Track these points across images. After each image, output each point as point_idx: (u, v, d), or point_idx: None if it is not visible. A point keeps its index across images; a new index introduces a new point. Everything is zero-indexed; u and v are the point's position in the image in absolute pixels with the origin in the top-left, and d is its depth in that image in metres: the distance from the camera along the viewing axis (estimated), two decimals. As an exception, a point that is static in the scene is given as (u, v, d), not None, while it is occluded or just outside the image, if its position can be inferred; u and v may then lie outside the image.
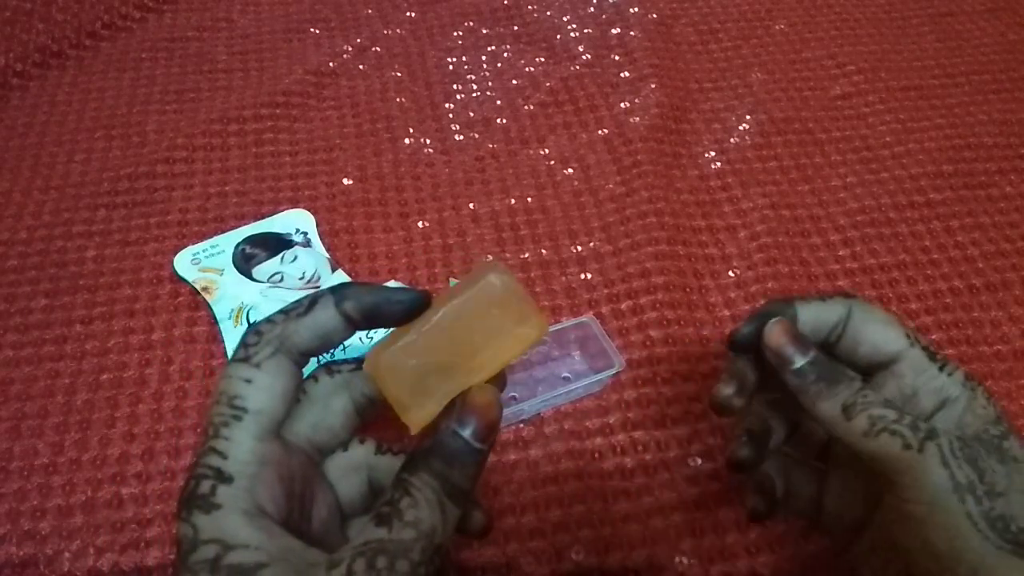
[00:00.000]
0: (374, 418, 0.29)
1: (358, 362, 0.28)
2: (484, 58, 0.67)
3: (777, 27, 0.71)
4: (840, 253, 0.52)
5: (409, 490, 0.24)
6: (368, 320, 0.26)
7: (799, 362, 0.30)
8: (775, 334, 0.30)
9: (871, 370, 0.32)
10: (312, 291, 0.48)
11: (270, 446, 0.25)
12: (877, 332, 0.31)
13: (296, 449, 0.26)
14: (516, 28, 0.70)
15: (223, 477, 0.23)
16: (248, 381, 0.25)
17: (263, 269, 0.50)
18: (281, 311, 0.26)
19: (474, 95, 0.63)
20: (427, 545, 0.23)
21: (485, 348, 0.26)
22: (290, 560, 0.22)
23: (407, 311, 0.27)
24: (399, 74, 0.65)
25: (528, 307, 0.26)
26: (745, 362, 0.32)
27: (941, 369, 0.30)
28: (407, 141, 0.59)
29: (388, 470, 0.28)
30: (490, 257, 0.51)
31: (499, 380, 0.27)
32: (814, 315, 0.31)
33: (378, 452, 0.28)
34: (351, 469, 0.28)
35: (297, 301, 0.26)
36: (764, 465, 0.34)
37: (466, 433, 0.25)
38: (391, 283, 0.46)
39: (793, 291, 0.49)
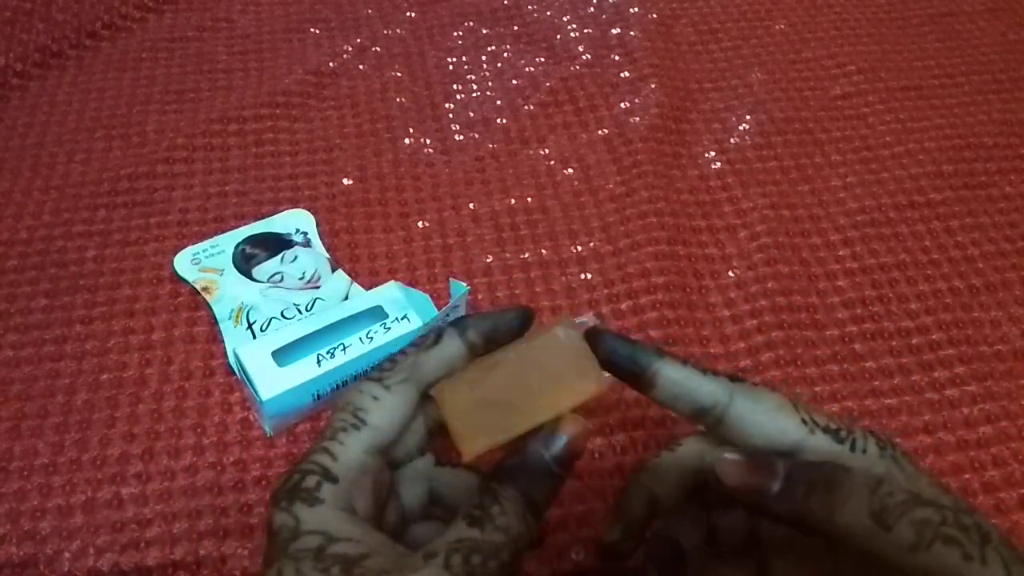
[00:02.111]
0: (442, 439, 0.30)
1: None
2: (484, 58, 0.67)
3: (777, 27, 0.71)
4: (840, 253, 0.52)
5: (499, 499, 0.25)
6: (488, 343, 0.29)
7: (776, 484, 0.26)
8: (734, 473, 0.27)
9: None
10: (311, 291, 0.48)
11: (374, 460, 0.27)
12: (765, 424, 0.27)
13: (387, 467, 0.28)
14: (516, 28, 0.70)
15: (330, 476, 0.26)
16: (375, 399, 0.27)
17: (263, 269, 0.50)
18: (411, 344, 0.29)
19: (474, 95, 0.63)
20: (514, 550, 0.25)
21: (542, 394, 0.27)
22: (387, 553, 0.24)
23: (521, 326, 0.29)
24: (399, 74, 0.65)
25: (590, 363, 0.28)
26: (635, 494, 0.30)
27: (852, 450, 0.27)
28: (407, 141, 0.59)
29: (447, 481, 0.30)
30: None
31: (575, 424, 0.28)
32: (674, 474, 0.29)
33: (438, 464, 0.30)
34: (414, 479, 0.30)
35: (424, 335, 0.29)
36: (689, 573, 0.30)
37: (549, 457, 0.26)
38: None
39: (793, 291, 0.50)
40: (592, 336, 0.29)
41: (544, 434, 0.27)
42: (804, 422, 0.27)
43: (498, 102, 0.63)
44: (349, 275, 0.50)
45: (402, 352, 0.29)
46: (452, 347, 0.29)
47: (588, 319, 0.45)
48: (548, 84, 0.64)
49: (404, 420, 0.28)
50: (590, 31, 0.69)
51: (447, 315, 0.42)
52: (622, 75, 0.64)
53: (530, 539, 0.26)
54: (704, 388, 0.28)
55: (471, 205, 0.55)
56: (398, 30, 0.69)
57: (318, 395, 0.42)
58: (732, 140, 0.60)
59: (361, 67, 0.66)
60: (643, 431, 0.43)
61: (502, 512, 0.25)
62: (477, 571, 0.23)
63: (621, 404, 0.44)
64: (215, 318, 0.47)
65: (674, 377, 0.28)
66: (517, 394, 0.27)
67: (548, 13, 0.71)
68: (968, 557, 0.23)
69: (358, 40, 0.67)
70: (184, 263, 0.50)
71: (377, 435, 0.27)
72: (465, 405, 0.27)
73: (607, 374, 0.28)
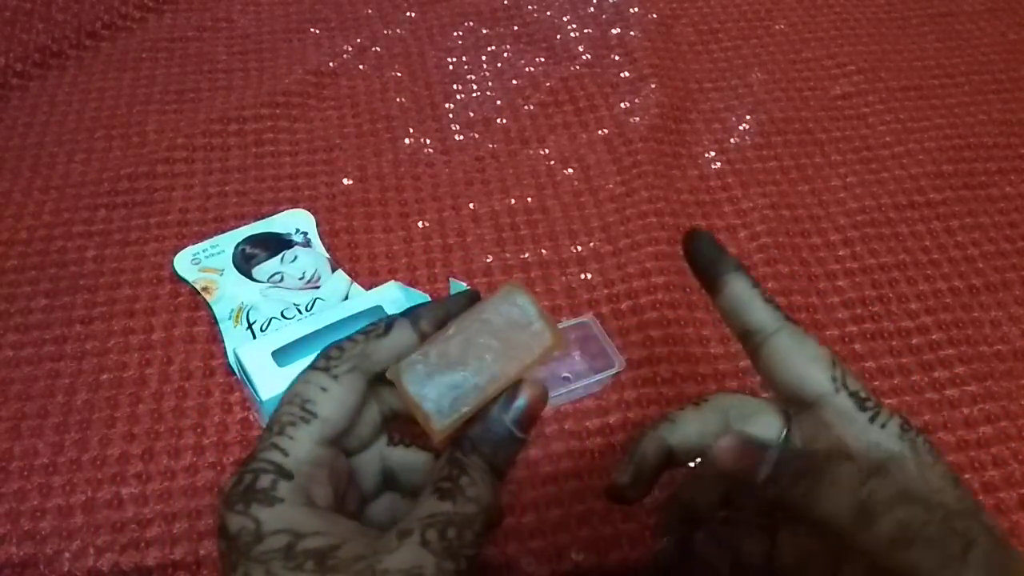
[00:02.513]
0: (397, 427, 0.30)
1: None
2: (484, 58, 0.67)
3: (777, 27, 0.71)
4: (840, 253, 0.52)
5: (467, 469, 0.25)
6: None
7: (765, 468, 0.27)
8: (723, 453, 0.28)
9: (791, 404, 0.29)
10: (311, 291, 0.48)
11: (327, 451, 0.26)
12: (797, 366, 0.28)
13: (342, 456, 0.28)
14: (516, 28, 0.70)
15: (284, 472, 0.25)
16: (324, 389, 0.26)
17: (263, 269, 0.50)
18: (360, 331, 0.28)
19: (474, 95, 0.63)
20: (485, 519, 0.25)
21: (498, 357, 0.27)
22: (358, 538, 0.24)
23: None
24: (399, 74, 0.65)
25: (539, 320, 0.28)
26: (650, 442, 0.29)
27: (872, 420, 0.27)
28: (407, 141, 0.59)
29: (401, 460, 0.30)
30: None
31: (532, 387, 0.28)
32: (696, 430, 0.29)
33: (390, 444, 0.30)
34: (368, 460, 0.30)
35: (373, 324, 0.28)
36: (702, 539, 0.30)
37: (510, 422, 0.26)
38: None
39: (793, 291, 0.50)
40: (688, 234, 0.30)
41: (503, 400, 0.27)
42: (834, 379, 0.27)
43: (498, 102, 0.63)
44: (349, 275, 0.50)
45: (350, 339, 0.28)
46: (403, 336, 0.28)
47: (588, 319, 0.45)
48: (548, 84, 0.64)
49: (354, 409, 0.27)
50: (590, 31, 0.69)
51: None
52: (622, 75, 0.64)
53: (498, 505, 0.26)
54: (757, 312, 0.28)
55: (471, 205, 0.55)
56: (398, 30, 0.69)
57: (318, 395, 0.42)
58: (732, 140, 0.60)
59: (361, 67, 0.66)
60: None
61: (471, 483, 0.25)
62: (454, 544, 0.23)
63: (621, 404, 0.44)
64: (215, 318, 0.47)
65: (737, 292, 0.29)
66: (473, 361, 0.27)
67: (548, 13, 0.71)
68: (947, 561, 0.23)
69: (358, 40, 0.67)
70: (184, 263, 0.50)
71: (327, 426, 0.26)
72: (424, 382, 0.27)
73: (557, 326, 0.28)
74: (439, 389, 0.26)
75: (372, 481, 0.30)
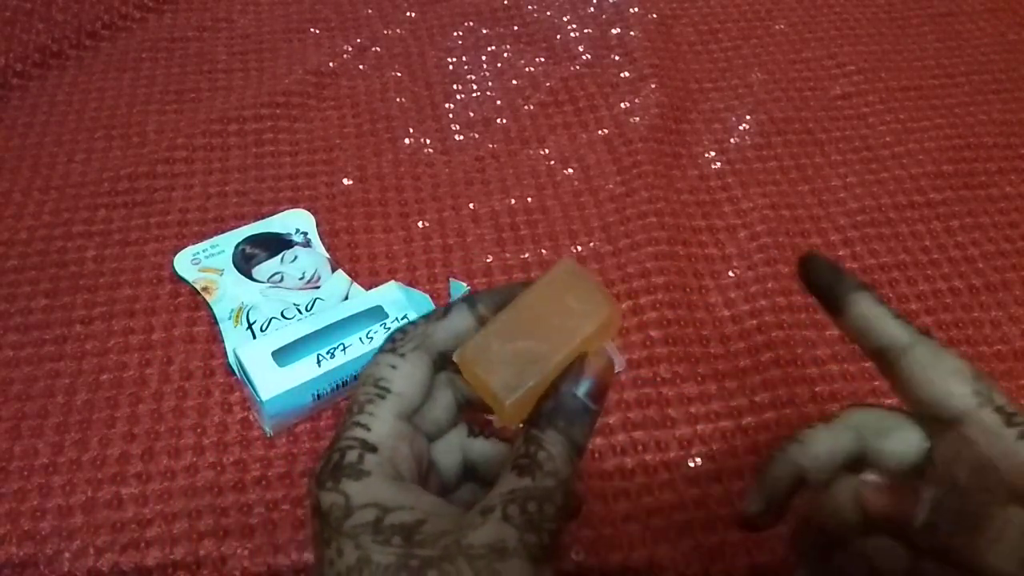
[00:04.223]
0: (474, 418, 0.31)
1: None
2: (484, 58, 0.67)
3: (777, 27, 0.71)
4: (840, 253, 0.52)
5: (543, 444, 0.26)
6: None
7: (922, 514, 0.25)
8: (873, 496, 0.26)
9: (933, 422, 0.27)
10: (311, 291, 0.48)
11: (406, 426, 0.27)
12: (937, 381, 0.27)
13: (422, 435, 0.29)
14: (516, 28, 0.70)
15: (368, 446, 0.26)
16: (393, 367, 0.28)
17: (263, 269, 0.50)
18: (422, 316, 0.30)
19: (474, 95, 0.63)
20: (566, 491, 0.25)
21: (560, 331, 0.28)
22: (443, 515, 0.24)
23: None
24: (399, 74, 0.65)
25: (596, 289, 0.28)
26: (780, 465, 0.28)
27: (1022, 436, 0.25)
28: (407, 141, 0.59)
29: (481, 451, 0.30)
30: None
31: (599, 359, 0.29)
32: (828, 449, 0.28)
33: (470, 435, 0.30)
34: (448, 451, 0.30)
35: (435, 309, 0.30)
36: (839, 560, 0.28)
37: (582, 394, 0.27)
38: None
39: (793, 291, 0.50)
40: (803, 257, 0.30)
41: (572, 375, 0.27)
42: (978, 393, 0.26)
43: (498, 102, 0.63)
44: (349, 275, 0.50)
45: (412, 323, 0.29)
46: (462, 319, 0.29)
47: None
48: (548, 84, 0.64)
49: (424, 385, 0.28)
50: (590, 31, 0.69)
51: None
52: (622, 75, 0.64)
53: (576, 478, 0.26)
54: (889, 329, 0.28)
55: (471, 205, 0.55)
56: (398, 30, 0.69)
57: (318, 395, 0.42)
58: (732, 140, 0.60)
59: (361, 67, 0.66)
60: (643, 431, 0.43)
61: (549, 457, 0.25)
62: (535, 518, 0.24)
63: (621, 404, 0.44)
64: (215, 318, 0.47)
65: (865, 311, 0.28)
66: (534, 337, 0.27)
67: (548, 13, 0.71)
68: None
69: (358, 40, 0.67)
70: (184, 263, 0.50)
71: (403, 401, 0.27)
72: (488, 361, 0.27)
73: (613, 299, 0.29)
74: (504, 366, 0.27)
75: (453, 472, 0.30)
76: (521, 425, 0.27)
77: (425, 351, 0.28)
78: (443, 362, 0.29)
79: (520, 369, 0.27)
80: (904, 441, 0.27)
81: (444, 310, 0.29)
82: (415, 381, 0.28)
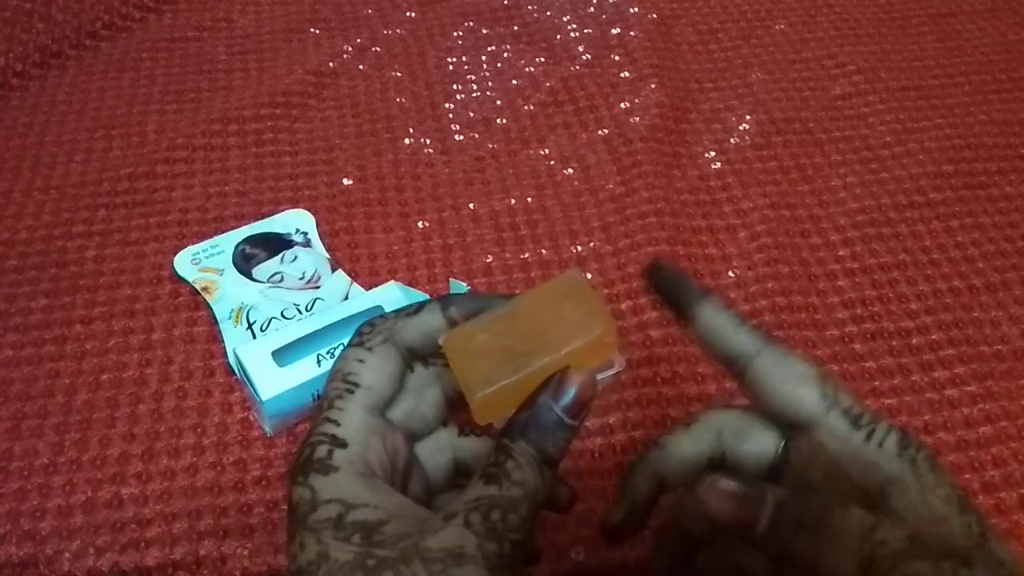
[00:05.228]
0: (462, 409, 0.30)
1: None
2: (484, 58, 0.67)
3: (777, 27, 0.71)
4: (840, 253, 0.52)
5: (512, 454, 0.25)
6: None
7: (764, 520, 0.25)
8: (717, 503, 0.25)
9: (785, 427, 0.28)
10: (311, 291, 0.48)
11: (377, 420, 0.27)
12: (785, 388, 0.27)
13: (397, 430, 0.29)
14: (516, 28, 0.70)
15: (338, 442, 0.26)
16: (361, 361, 0.28)
17: (263, 269, 0.50)
18: (393, 311, 0.29)
19: (474, 95, 0.63)
20: (532, 503, 0.25)
21: (548, 339, 0.27)
22: (406, 516, 0.24)
23: None
24: (399, 74, 0.65)
25: (597, 306, 0.28)
26: (641, 474, 0.29)
27: (868, 439, 0.26)
28: (407, 141, 0.59)
29: (471, 450, 0.30)
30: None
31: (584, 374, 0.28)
32: (688, 453, 0.29)
33: (461, 434, 0.30)
34: (437, 450, 0.30)
35: (408, 305, 0.30)
36: (703, 560, 0.29)
37: (560, 409, 0.26)
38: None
39: (793, 291, 0.50)
40: (650, 266, 0.30)
41: (552, 386, 0.26)
42: (824, 397, 0.27)
43: (498, 102, 0.63)
44: (349, 275, 0.50)
45: (380, 317, 0.29)
46: (432, 319, 0.29)
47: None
48: (548, 84, 0.64)
49: (394, 378, 0.28)
50: (590, 31, 0.69)
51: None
52: (622, 75, 0.64)
53: (546, 491, 0.26)
54: (735, 337, 0.28)
55: (471, 205, 0.55)
56: (398, 30, 0.69)
57: (318, 395, 0.42)
58: (732, 140, 0.60)
59: (361, 67, 0.66)
60: (643, 431, 0.43)
61: (517, 467, 0.25)
62: (498, 527, 0.24)
63: (621, 404, 0.44)
64: (215, 318, 0.47)
65: (710, 321, 0.28)
66: (525, 335, 0.27)
67: (548, 13, 0.71)
68: None
69: (358, 40, 0.67)
70: (184, 263, 0.50)
71: (371, 394, 0.27)
72: (473, 349, 0.27)
73: (611, 318, 0.28)
74: (483, 360, 0.27)
75: (442, 471, 0.30)
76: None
77: (393, 344, 0.28)
78: (412, 358, 0.29)
79: (498, 365, 0.27)
80: (760, 443, 0.28)
81: (416, 307, 0.29)
82: (384, 374, 0.28)
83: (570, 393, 0.26)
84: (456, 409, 0.30)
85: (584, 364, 0.27)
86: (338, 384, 0.27)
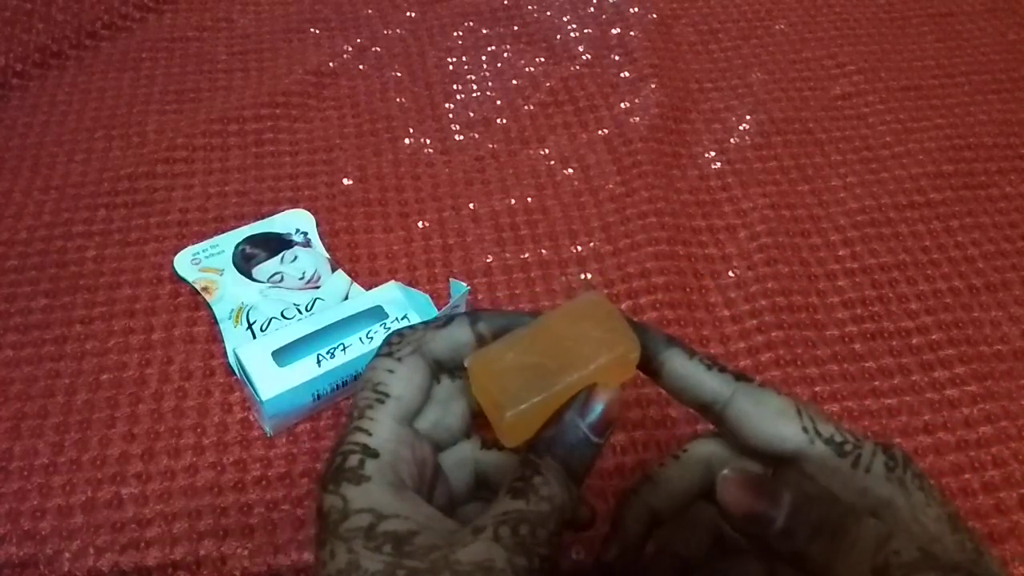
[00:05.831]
0: (485, 426, 0.30)
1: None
2: (484, 58, 0.67)
3: (777, 27, 0.71)
4: (840, 253, 0.52)
5: (539, 470, 0.26)
6: (496, 339, 0.29)
7: (781, 519, 0.24)
8: (734, 496, 0.25)
9: (772, 465, 0.28)
10: (311, 291, 0.48)
11: (406, 430, 0.27)
12: (765, 426, 0.27)
13: (424, 440, 0.29)
14: (516, 28, 0.70)
15: (370, 452, 0.26)
16: (390, 371, 0.28)
17: (263, 269, 0.50)
18: (423, 322, 0.30)
19: (474, 95, 0.63)
20: (559, 518, 0.25)
21: (574, 357, 0.27)
22: (435, 528, 0.24)
23: None
24: (399, 74, 0.65)
25: (621, 324, 0.28)
26: (633, 511, 0.30)
27: (855, 465, 0.26)
28: (407, 141, 0.59)
29: (493, 463, 0.30)
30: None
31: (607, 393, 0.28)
32: (679, 486, 0.29)
33: (483, 447, 0.31)
34: (460, 461, 0.30)
35: (436, 316, 0.30)
36: None
37: (586, 426, 0.26)
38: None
39: (793, 291, 0.50)
40: None
41: (578, 404, 0.27)
42: (805, 430, 0.27)
43: (498, 102, 0.63)
44: (349, 275, 0.50)
45: (410, 328, 0.29)
46: (460, 332, 0.29)
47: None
48: (548, 84, 0.64)
49: (422, 389, 0.28)
50: (590, 31, 0.69)
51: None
52: (622, 75, 0.64)
53: (572, 507, 0.26)
54: (706, 383, 0.28)
55: (471, 205, 0.55)
56: (398, 30, 0.69)
57: (318, 395, 0.42)
58: (732, 140, 0.60)
59: (361, 67, 0.66)
60: (643, 431, 0.43)
61: (544, 482, 0.25)
62: (526, 541, 0.24)
63: (621, 405, 0.44)
64: (215, 318, 0.47)
65: (678, 369, 0.28)
66: (551, 354, 0.27)
67: (548, 13, 0.71)
68: None
69: (358, 40, 0.67)
70: (184, 263, 0.50)
71: (401, 405, 0.27)
72: (501, 368, 0.27)
73: (634, 335, 0.28)
74: (512, 379, 0.27)
75: (465, 484, 0.30)
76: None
77: (421, 356, 0.28)
78: (439, 370, 0.29)
79: (527, 383, 0.27)
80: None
81: (445, 320, 0.29)
82: (413, 385, 0.28)
83: (597, 410, 0.27)
84: (480, 423, 0.30)
85: (609, 381, 0.27)
86: (368, 394, 0.27)
